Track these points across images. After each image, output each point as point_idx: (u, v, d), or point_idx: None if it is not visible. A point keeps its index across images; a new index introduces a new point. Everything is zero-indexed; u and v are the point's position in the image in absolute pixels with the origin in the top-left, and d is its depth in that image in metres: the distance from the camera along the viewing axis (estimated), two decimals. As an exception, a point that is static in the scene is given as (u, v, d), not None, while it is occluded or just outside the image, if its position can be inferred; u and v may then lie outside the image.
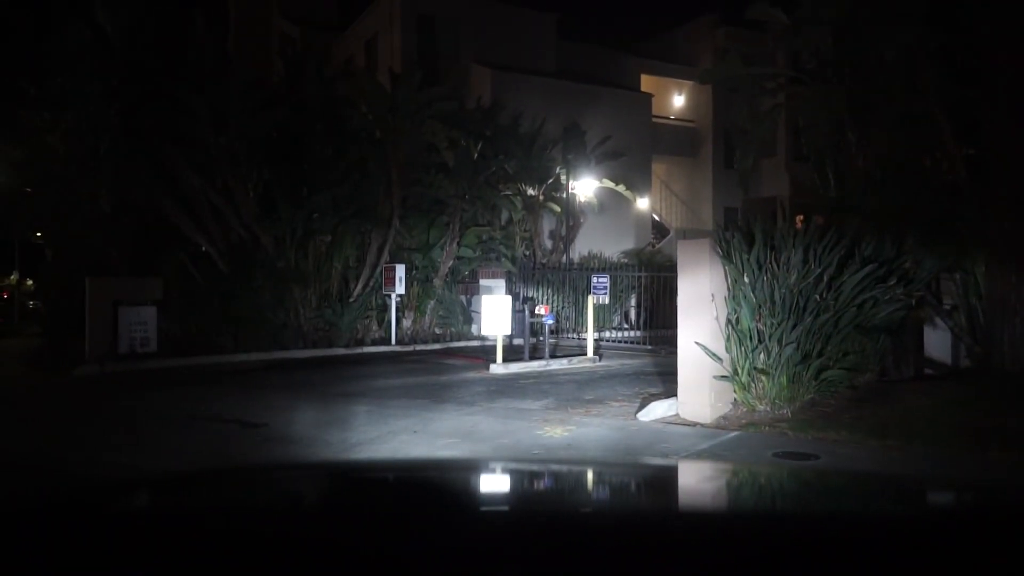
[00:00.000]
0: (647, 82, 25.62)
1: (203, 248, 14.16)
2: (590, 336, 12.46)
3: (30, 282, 37.16)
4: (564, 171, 18.30)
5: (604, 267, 17.07)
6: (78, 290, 12.86)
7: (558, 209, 18.67)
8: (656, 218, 25.96)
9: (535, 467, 2.80)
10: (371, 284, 15.20)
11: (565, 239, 18.43)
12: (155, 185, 13.62)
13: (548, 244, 19.29)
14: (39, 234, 20.03)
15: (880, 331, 7.88)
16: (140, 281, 13.04)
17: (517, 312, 12.06)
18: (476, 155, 16.31)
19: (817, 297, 7.06)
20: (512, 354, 11.93)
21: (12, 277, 37.93)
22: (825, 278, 7.05)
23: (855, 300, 7.25)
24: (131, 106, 13.33)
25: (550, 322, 12.17)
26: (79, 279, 12.93)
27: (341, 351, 13.98)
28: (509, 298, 11.73)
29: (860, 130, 9.96)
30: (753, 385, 7.15)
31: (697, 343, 7.20)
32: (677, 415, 7.37)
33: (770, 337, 7.02)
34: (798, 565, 1.06)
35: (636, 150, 22.28)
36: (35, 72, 14.67)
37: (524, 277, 17.10)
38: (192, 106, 13.37)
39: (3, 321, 29.82)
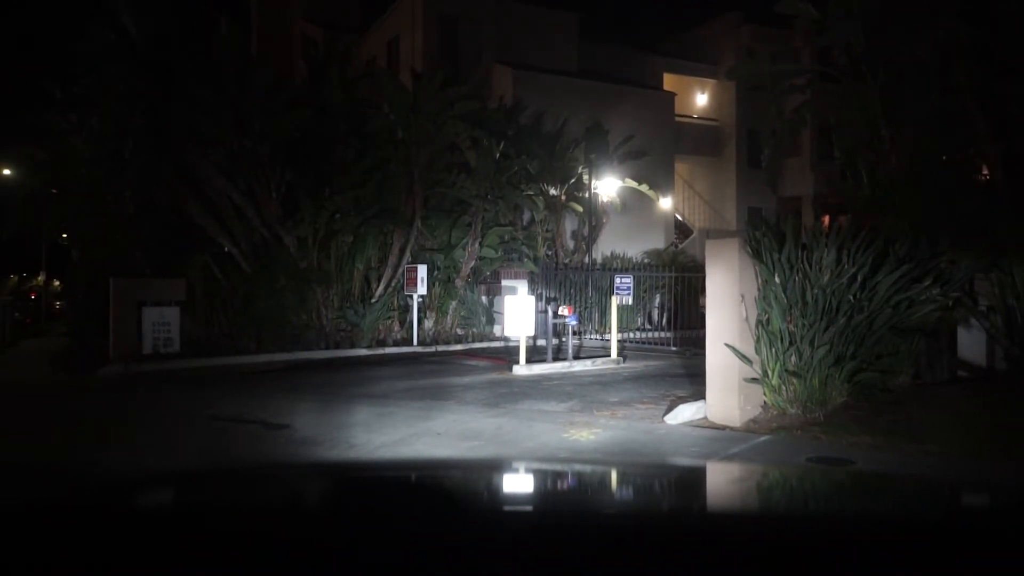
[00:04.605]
0: (670, 81, 25.42)
1: (226, 249, 14.21)
2: (614, 337, 12.32)
3: (57, 283, 37.71)
4: (586, 171, 18.18)
5: (627, 267, 16.93)
6: (103, 290, 12.94)
7: (580, 209, 18.55)
8: (679, 218, 25.74)
9: (563, 468, 2.72)
10: (393, 285, 15.17)
11: (588, 239, 18.30)
12: (179, 186, 13.69)
13: (570, 244, 19.17)
14: (65, 235, 20.26)
15: (915, 332, 7.68)
16: (164, 282, 13.09)
17: (540, 313, 11.94)
18: (498, 155, 16.24)
19: (851, 298, 6.89)
20: (535, 355, 11.83)
21: (39, 278, 38.47)
22: (859, 278, 6.88)
23: (890, 301, 7.07)
24: (155, 107, 13.39)
25: (573, 323, 12.04)
26: (104, 280, 13.01)
27: (363, 352, 13.95)
28: (532, 298, 11.62)
29: (894, 127, 9.75)
30: (784, 388, 7.00)
31: (727, 344, 7.06)
32: (705, 418, 7.23)
33: (802, 339, 6.86)
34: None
35: (659, 149, 22.10)
36: (60, 74, 14.82)
37: (546, 278, 16.99)
38: (215, 107, 13.42)
39: (30, 321, 30.19)
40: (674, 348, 14.01)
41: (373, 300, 14.85)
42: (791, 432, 6.58)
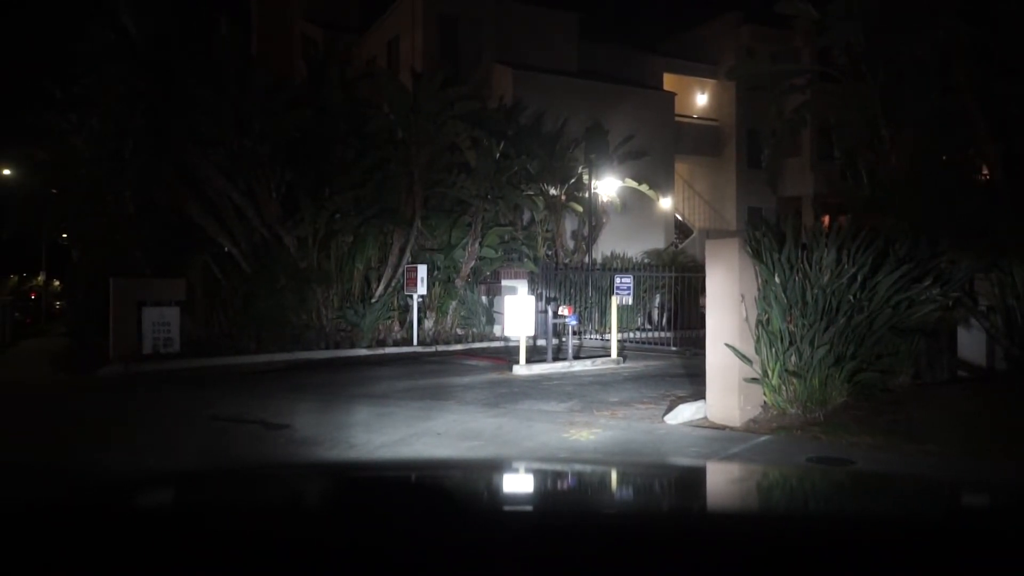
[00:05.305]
0: (670, 81, 25.42)
1: (226, 249, 14.20)
2: (614, 337, 12.31)
3: (57, 283, 37.73)
4: (586, 171, 18.18)
5: (627, 267, 16.93)
6: (103, 290, 12.94)
7: (580, 209, 18.55)
8: (679, 218, 25.74)
9: (563, 468, 2.73)
10: (393, 285, 15.17)
11: (587, 239, 18.30)
12: (179, 186, 13.69)
13: (570, 244, 19.17)
14: (65, 235, 20.26)
15: (915, 332, 7.69)
16: (164, 282, 13.09)
17: (540, 313, 11.94)
18: (498, 155, 16.24)
19: (851, 298, 6.89)
20: (535, 355, 11.83)
21: (39, 278, 38.47)
22: (859, 278, 6.88)
23: (890, 301, 7.07)
24: (155, 107, 13.39)
25: (573, 323, 12.04)
26: (104, 280, 13.01)
27: (363, 352, 13.95)
28: (532, 298, 11.62)
29: (894, 127, 9.75)
30: (784, 388, 7.00)
31: (727, 344, 7.05)
32: (705, 418, 7.23)
33: (802, 339, 6.86)
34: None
35: (659, 149, 22.10)
36: (60, 74, 14.82)
37: (546, 278, 16.99)
38: (216, 107, 13.42)
39: (30, 321, 30.19)
40: (674, 348, 14.01)
41: (373, 300, 14.85)
42: (791, 432, 6.58)
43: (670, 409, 7.43)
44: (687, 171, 26.10)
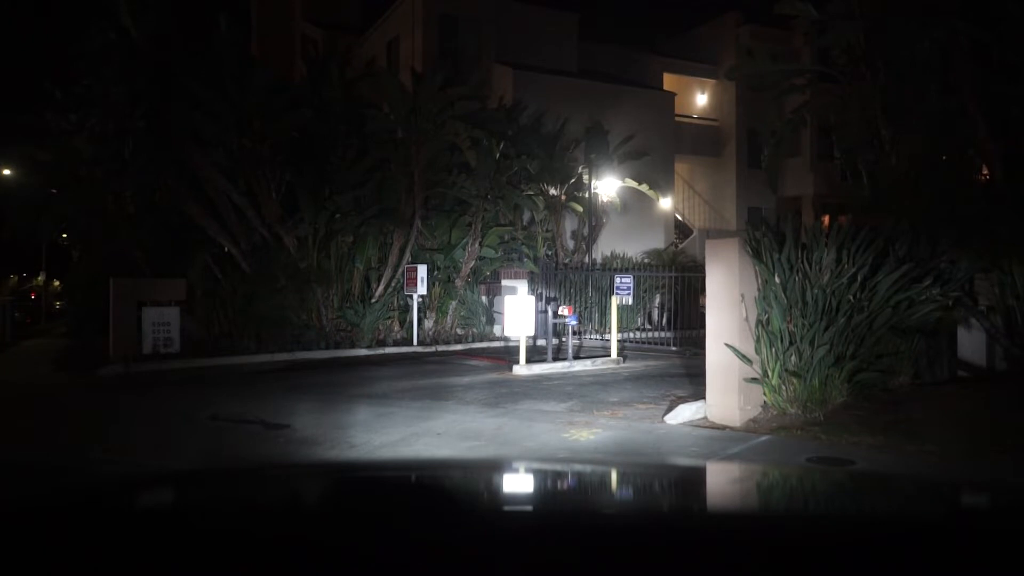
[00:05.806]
0: (670, 81, 25.42)
1: (226, 249, 14.21)
2: (614, 337, 12.32)
3: (57, 283, 37.76)
4: (586, 171, 18.17)
5: (627, 267, 16.93)
6: (103, 291, 12.94)
7: (580, 209, 18.55)
8: (679, 218, 25.74)
9: (563, 468, 2.72)
10: (393, 285, 15.17)
11: (587, 239, 18.30)
12: (179, 186, 13.69)
13: (570, 244, 19.17)
14: (65, 236, 20.24)
15: (915, 332, 7.69)
16: (164, 282, 13.09)
17: (540, 313, 11.94)
18: (498, 155, 16.24)
19: (851, 298, 6.89)
20: (535, 355, 11.83)
21: (39, 278, 38.49)
22: (859, 278, 6.88)
23: (890, 301, 7.07)
24: (155, 108, 13.39)
25: (573, 323, 12.04)
26: (104, 280, 13.02)
27: (363, 352, 13.95)
28: (532, 298, 11.62)
29: (894, 127, 9.75)
30: (784, 388, 7.00)
31: (727, 344, 7.06)
32: (705, 418, 7.23)
33: (802, 339, 6.86)
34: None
35: (659, 149, 22.09)
36: (61, 75, 14.85)
37: (546, 277, 16.99)
38: (216, 108, 13.43)
39: (30, 321, 30.19)
40: (674, 348, 14.01)
41: (373, 300, 14.85)
42: (791, 432, 6.57)
43: (670, 409, 7.44)
44: (687, 171, 26.09)
